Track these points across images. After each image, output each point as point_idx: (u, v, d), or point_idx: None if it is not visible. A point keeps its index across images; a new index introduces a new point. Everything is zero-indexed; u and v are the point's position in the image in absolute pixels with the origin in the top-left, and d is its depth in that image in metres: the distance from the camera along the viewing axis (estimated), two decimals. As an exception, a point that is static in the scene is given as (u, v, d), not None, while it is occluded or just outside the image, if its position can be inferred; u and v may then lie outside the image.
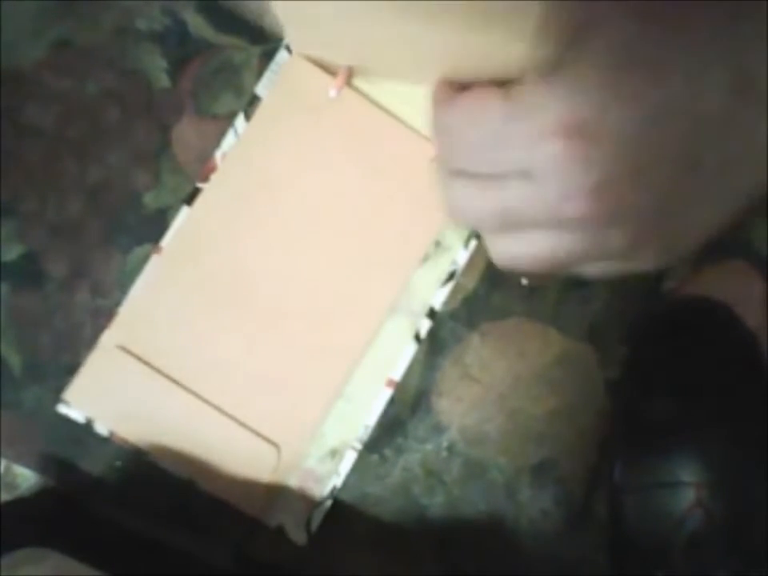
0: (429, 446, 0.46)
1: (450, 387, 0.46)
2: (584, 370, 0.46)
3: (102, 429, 0.45)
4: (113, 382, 0.45)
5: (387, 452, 0.46)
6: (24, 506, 0.45)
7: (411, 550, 0.46)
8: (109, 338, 0.45)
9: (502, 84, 0.29)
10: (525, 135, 0.27)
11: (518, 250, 0.30)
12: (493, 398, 0.46)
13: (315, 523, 0.45)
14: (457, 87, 0.35)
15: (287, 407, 0.45)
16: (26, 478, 0.46)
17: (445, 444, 0.46)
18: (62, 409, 0.45)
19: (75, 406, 0.45)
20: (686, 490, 0.41)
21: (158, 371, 0.45)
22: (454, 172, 0.31)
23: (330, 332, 0.45)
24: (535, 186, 0.28)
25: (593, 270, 0.31)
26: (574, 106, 0.26)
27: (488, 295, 0.46)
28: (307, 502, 0.45)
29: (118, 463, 0.46)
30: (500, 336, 0.46)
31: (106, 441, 0.45)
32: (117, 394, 0.45)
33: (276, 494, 0.45)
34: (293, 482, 0.45)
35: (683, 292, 0.46)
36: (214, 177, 0.46)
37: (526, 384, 0.46)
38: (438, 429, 0.46)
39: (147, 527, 0.45)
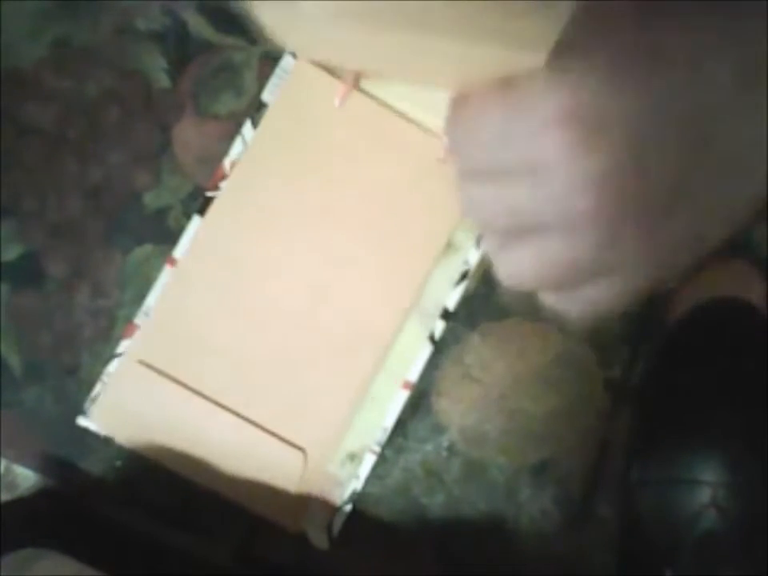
0: (429, 446, 0.46)
1: (449, 387, 0.46)
2: (584, 370, 0.46)
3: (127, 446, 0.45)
4: (136, 398, 0.45)
5: (387, 452, 0.46)
6: (24, 506, 0.46)
7: (411, 549, 0.46)
8: (129, 354, 0.45)
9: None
10: (525, 129, 0.27)
11: (524, 260, 0.29)
12: (493, 398, 0.46)
13: (337, 528, 0.45)
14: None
15: (311, 412, 0.45)
16: (26, 477, 0.46)
17: (445, 444, 0.46)
18: (82, 422, 0.45)
19: (100, 426, 0.45)
20: (703, 488, 0.41)
21: (181, 384, 0.45)
22: (466, 172, 0.31)
23: (351, 335, 0.45)
24: (541, 180, 0.27)
25: (595, 292, 0.30)
26: (573, 94, 0.26)
27: (488, 295, 0.46)
28: (328, 507, 0.45)
29: (118, 463, 0.46)
30: (500, 336, 0.46)
31: (106, 441, 0.45)
32: (140, 411, 0.45)
33: (303, 499, 0.45)
34: (314, 487, 0.45)
35: (684, 292, 0.46)
36: (225, 185, 0.46)
37: (525, 384, 0.46)
38: (438, 429, 0.46)
39: (147, 527, 0.45)
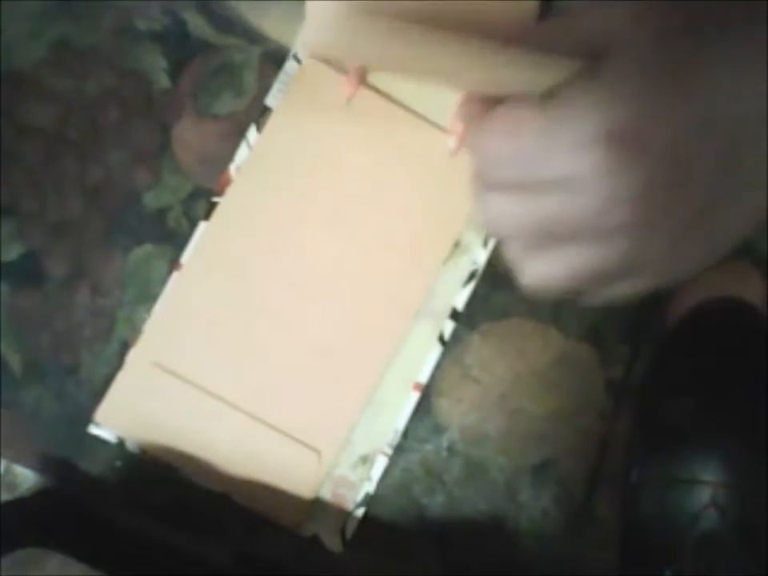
0: (429, 446, 0.46)
1: (450, 387, 0.46)
2: (584, 369, 0.46)
3: (134, 448, 0.45)
4: (145, 398, 0.44)
5: (387, 452, 0.46)
6: (24, 506, 0.45)
7: (411, 550, 0.46)
8: (138, 354, 0.45)
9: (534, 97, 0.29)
10: (565, 145, 0.27)
11: (553, 267, 0.30)
12: (493, 398, 0.46)
13: (350, 530, 0.45)
14: (484, 101, 0.35)
15: (322, 413, 0.45)
16: (26, 477, 0.46)
17: (445, 444, 0.46)
18: (93, 430, 0.45)
19: (106, 426, 0.45)
20: (703, 488, 0.41)
21: (192, 384, 0.44)
22: (490, 186, 0.30)
23: (359, 336, 0.45)
24: (576, 194, 0.28)
25: (616, 290, 0.30)
26: (614, 114, 0.26)
27: (488, 295, 0.46)
28: (341, 510, 0.45)
29: (118, 463, 0.46)
30: (500, 336, 0.46)
31: (106, 441, 0.45)
32: (149, 411, 0.44)
33: (314, 501, 0.45)
34: (326, 490, 0.45)
35: (684, 292, 0.46)
36: (231, 186, 0.46)
37: (526, 384, 0.46)
38: (438, 429, 0.46)
39: (147, 527, 0.45)
